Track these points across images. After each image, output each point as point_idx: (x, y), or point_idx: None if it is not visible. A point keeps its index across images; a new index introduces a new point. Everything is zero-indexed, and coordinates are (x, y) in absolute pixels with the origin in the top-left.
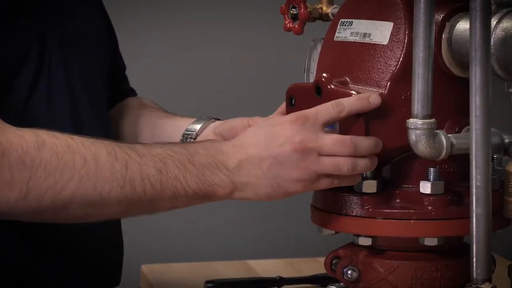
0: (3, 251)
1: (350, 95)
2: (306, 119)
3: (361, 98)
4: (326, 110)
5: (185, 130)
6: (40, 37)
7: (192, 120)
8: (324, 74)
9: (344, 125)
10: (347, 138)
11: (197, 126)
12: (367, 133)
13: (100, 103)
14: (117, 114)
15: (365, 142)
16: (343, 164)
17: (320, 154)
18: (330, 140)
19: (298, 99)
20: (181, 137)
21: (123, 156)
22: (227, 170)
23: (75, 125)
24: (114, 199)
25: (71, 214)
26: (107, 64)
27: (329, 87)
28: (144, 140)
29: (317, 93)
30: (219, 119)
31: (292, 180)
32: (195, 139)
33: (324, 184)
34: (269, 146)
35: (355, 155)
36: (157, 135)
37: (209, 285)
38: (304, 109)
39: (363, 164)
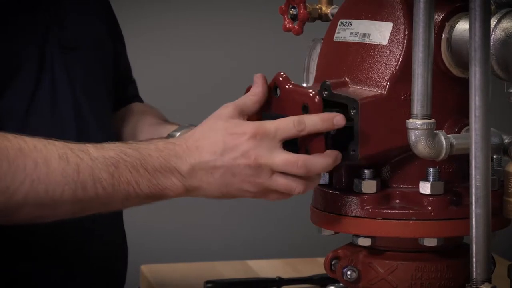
0: (4, 260)
1: (307, 94)
2: (265, 135)
3: (324, 120)
4: (286, 127)
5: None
6: (40, 41)
7: (175, 127)
8: (282, 73)
9: (304, 141)
10: (299, 159)
11: (176, 134)
12: (327, 148)
13: (102, 107)
14: (119, 119)
15: (318, 163)
16: (295, 187)
17: (273, 171)
18: (283, 161)
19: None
20: None
21: (74, 160)
22: (180, 174)
23: (79, 130)
24: (67, 201)
25: (24, 216)
26: (110, 68)
27: (286, 87)
28: None
29: (274, 93)
30: None
31: (241, 190)
32: None
33: (274, 198)
34: (224, 156)
35: (307, 176)
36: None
37: (209, 285)
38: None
39: (315, 184)
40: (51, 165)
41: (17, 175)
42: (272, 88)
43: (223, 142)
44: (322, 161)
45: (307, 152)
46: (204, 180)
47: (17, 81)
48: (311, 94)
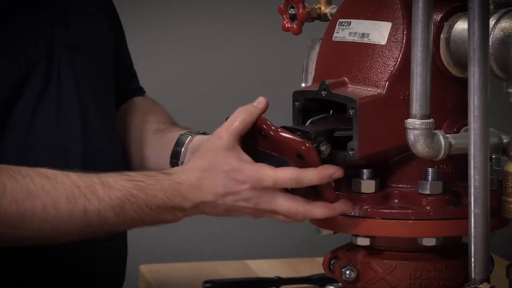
0: (5, 266)
1: (299, 143)
2: (264, 187)
3: (322, 178)
4: (284, 182)
5: (171, 158)
6: (47, 42)
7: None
8: (264, 119)
9: (298, 165)
10: (299, 211)
11: (186, 140)
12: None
13: (108, 108)
14: (122, 118)
15: (316, 214)
16: (295, 221)
17: (275, 212)
18: (282, 210)
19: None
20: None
21: (82, 202)
22: (183, 210)
23: (84, 132)
24: (73, 237)
25: (33, 244)
26: (112, 65)
27: (273, 134)
28: (150, 154)
29: (262, 137)
30: (205, 133)
31: (246, 215)
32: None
33: (279, 219)
34: (226, 198)
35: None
36: (160, 150)
37: (208, 285)
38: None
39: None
40: (59, 208)
41: (25, 217)
42: (257, 130)
43: (224, 186)
44: (320, 212)
45: (315, 189)
46: (207, 211)
47: (26, 84)
48: (303, 147)
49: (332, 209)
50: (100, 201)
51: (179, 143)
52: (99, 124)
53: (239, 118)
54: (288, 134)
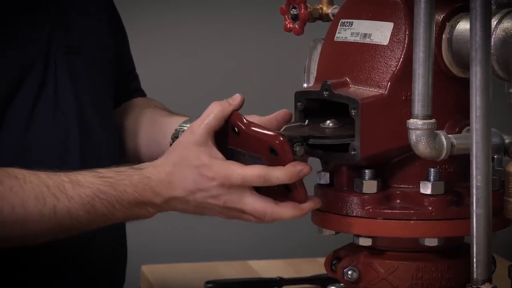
0: (5, 267)
1: (272, 137)
2: (232, 185)
3: (290, 177)
4: (252, 180)
5: (175, 130)
6: (45, 44)
7: (186, 118)
8: (237, 113)
9: (271, 163)
10: (267, 211)
11: (187, 126)
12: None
13: (106, 108)
14: (121, 113)
15: (285, 215)
16: (264, 222)
17: (244, 211)
18: (251, 209)
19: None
20: (172, 136)
21: (51, 200)
22: (154, 205)
23: (82, 132)
24: (44, 236)
25: (6, 246)
26: (112, 66)
27: (245, 128)
28: (143, 137)
29: (235, 133)
30: None
31: (216, 215)
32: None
33: (249, 220)
34: (196, 194)
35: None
36: (154, 132)
37: (209, 285)
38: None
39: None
40: (28, 208)
41: None
42: (229, 126)
43: (193, 181)
44: (288, 213)
45: (287, 187)
46: (178, 207)
47: (23, 84)
48: (277, 141)
49: (300, 209)
50: (70, 199)
51: (185, 122)
52: (97, 124)
53: (212, 114)
54: (261, 128)
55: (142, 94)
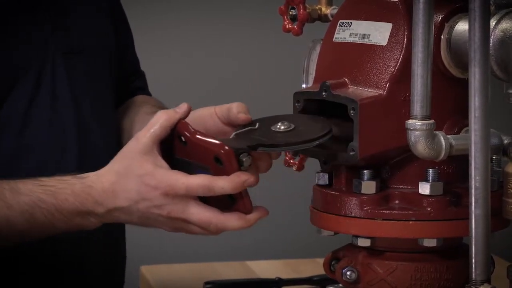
0: (5, 268)
1: (217, 146)
2: (176, 194)
3: (234, 187)
4: (196, 190)
5: None
6: (42, 45)
7: None
8: (184, 121)
9: (217, 173)
10: (211, 222)
11: None
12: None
13: (105, 108)
14: (121, 112)
15: (230, 226)
16: (211, 234)
17: (188, 222)
18: (195, 219)
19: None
20: None
21: None
22: (97, 215)
23: (80, 133)
24: None
25: None
26: (114, 66)
27: (191, 136)
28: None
29: (182, 143)
30: None
31: (162, 227)
32: None
33: (195, 232)
34: (139, 204)
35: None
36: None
37: (208, 286)
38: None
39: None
40: None
41: None
42: (176, 136)
43: (137, 192)
44: (234, 223)
45: (232, 198)
46: (122, 218)
47: (18, 85)
48: (221, 151)
49: (246, 221)
50: (9, 207)
51: None
52: (96, 124)
53: (158, 123)
54: (207, 137)
55: (145, 92)
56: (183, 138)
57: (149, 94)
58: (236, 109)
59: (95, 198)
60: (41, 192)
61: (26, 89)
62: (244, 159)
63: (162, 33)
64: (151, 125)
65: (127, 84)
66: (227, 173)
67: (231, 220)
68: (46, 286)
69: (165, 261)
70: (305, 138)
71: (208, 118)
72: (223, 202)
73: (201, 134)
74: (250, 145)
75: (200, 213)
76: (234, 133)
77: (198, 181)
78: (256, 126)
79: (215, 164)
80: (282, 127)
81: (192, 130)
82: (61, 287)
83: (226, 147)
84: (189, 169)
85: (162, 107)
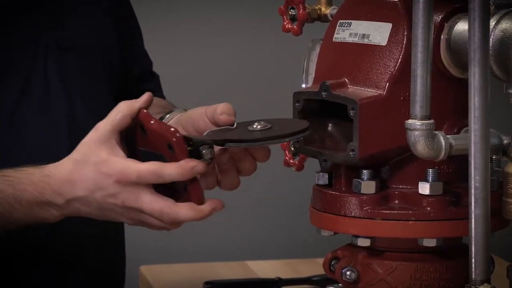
0: (5, 268)
1: (169, 133)
2: (128, 181)
3: (182, 173)
4: (146, 177)
5: None
6: (33, 42)
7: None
8: (144, 110)
9: (171, 161)
10: (164, 211)
11: (166, 116)
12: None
13: (102, 107)
14: None
15: (182, 216)
16: (167, 227)
17: (143, 212)
18: (148, 208)
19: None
20: None
21: None
22: (57, 206)
23: (71, 128)
24: None
25: None
26: (114, 66)
27: (149, 124)
28: None
29: (143, 132)
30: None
31: (121, 219)
32: None
33: (152, 224)
34: (96, 193)
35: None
36: None
37: (208, 286)
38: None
39: (182, 223)
40: None
41: None
42: (138, 125)
43: (92, 180)
44: (186, 214)
45: (185, 188)
46: (82, 209)
47: (5, 81)
48: (173, 138)
49: (198, 211)
50: None
51: (168, 113)
52: (89, 119)
53: (117, 112)
54: (163, 125)
55: (156, 94)
56: (143, 128)
57: (161, 96)
58: (220, 110)
59: (53, 187)
60: (0, 182)
61: (15, 85)
62: (204, 151)
63: (162, 33)
64: (111, 114)
65: (137, 86)
66: (178, 161)
67: (183, 210)
68: (46, 286)
69: (164, 261)
70: (274, 134)
71: (198, 118)
72: (179, 193)
73: (158, 122)
74: (217, 139)
75: (152, 202)
76: (209, 131)
77: (148, 167)
78: (234, 125)
79: (168, 151)
80: (259, 126)
81: (150, 118)
82: (61, 287)
83: (177, 134)
84: (151, 160)
85: (167, 108)
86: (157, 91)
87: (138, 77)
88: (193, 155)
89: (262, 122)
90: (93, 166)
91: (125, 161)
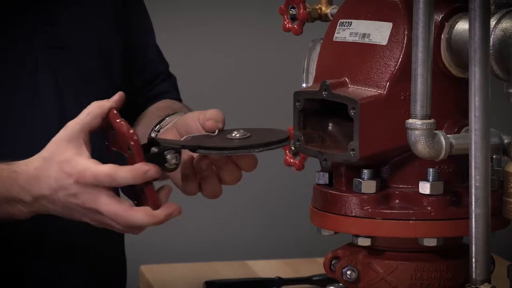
0: (6, 268)
1: (129, 134)
2: (86, 183)
3: (135, 177)
4: (101, 179)
5: (154, 125)
6: (24, 41)
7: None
8: (114, 110)
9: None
10: (118, 214)
11: (166, 119)
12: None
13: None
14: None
15: (136, 219)
16: (124, 231)
17: (103, 214)
18: (106, 210)
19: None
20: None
21: None
22: (24, 203)
23: (63, 126)
24: None
25: None
26: (114, 66)
27: (116, 126)
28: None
29: (113, 132)
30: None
31: (84, 220)
32: (158, 131)
33: (113, 226)
34: (59, 193)
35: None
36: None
37: (208, 285)
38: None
39: (142, 229)
40: None
41: None
42: (109, 126)
43: (55, 179)
44: (140, 218)
45: (143, 192)
46: (49, 207)
47: None
48: (131, 141)
49: (152, 216)
50: None
51: (165, 116)
52: None
53: (88, 111)
54: (124, 125)
55: (171, 96)
56: (113, 128)
57: (176, 98)
58: (208, 116)
59: (20, 184)
60: None
61: (5, 84)
62: (168, 156)
63: (162, 33)
64: (82, 114)
65: (150, 89)
66: (134, 164)
67: (138, 214)
68: (45, 286)
69: (165, 261)
70: (248, 144)
71: (191, 122)
72: (139, 197)
73: (122, 123)
74: (188, 145)
75: (108, 205)
76: (187, 136)
77: (104, 170)
78: (216, 133)
79: (129, 153)
80: (238, 135)
81: (117, 118)
82: (61, 286)
83: (135, 137)
84: (122, 162)
85: (172, 110)
86: (171, 92)
87: (152, 79)
88: (157, 159)
89: (241, 131)
90: (57, 165)
91: (86, 162)
